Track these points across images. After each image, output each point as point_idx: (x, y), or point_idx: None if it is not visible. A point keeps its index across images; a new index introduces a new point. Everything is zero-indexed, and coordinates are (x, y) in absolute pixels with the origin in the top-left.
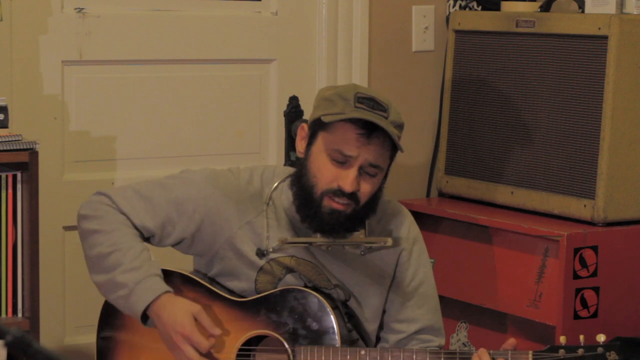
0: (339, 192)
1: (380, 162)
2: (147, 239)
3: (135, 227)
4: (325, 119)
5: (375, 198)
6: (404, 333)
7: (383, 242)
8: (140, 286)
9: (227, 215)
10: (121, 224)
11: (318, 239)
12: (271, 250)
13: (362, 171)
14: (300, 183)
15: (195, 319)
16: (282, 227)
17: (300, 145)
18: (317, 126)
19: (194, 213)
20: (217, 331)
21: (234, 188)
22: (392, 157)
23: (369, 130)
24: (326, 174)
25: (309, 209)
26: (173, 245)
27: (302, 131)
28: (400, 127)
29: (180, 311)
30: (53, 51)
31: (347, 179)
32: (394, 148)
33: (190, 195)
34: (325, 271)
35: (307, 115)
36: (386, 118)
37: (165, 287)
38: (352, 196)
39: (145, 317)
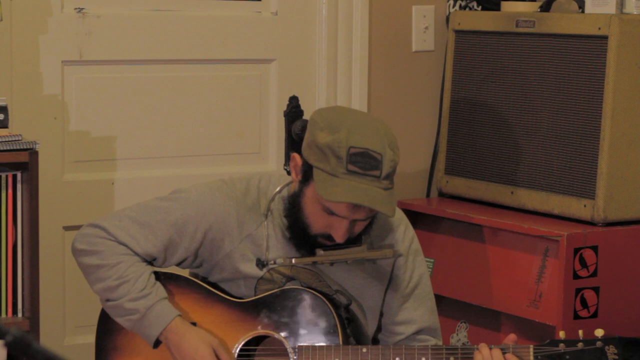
0: (331, 239)
1: (372, 214)
2: (149, 262)
3: (137, 255)
4: (317, 187)
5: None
6: (402, 335)
7: (384, 255)
8: (151, 312)
9: (228, 230)
10: (124, 255)
11: (322, 257)
12: (272, 262)
13: (354, 221)
14: (295, 216)
15: (214, 351)
16: (281, 237)
17: (293, 173)
18: (310, 174)
19: (195, 232)
20: None
21: (232, 201)
22: None
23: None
24: (318, 221)
25: (304, 243)
26: (176, 265)
27: (294, 161)
28: (394, 172)
29: (200, 342)
30: (53, 51)
31: (338, 231)
32: None
33: (189, 216)
34: (325, 277)
35: (307, 115)
36: (378, 177)
37: (176, 312)
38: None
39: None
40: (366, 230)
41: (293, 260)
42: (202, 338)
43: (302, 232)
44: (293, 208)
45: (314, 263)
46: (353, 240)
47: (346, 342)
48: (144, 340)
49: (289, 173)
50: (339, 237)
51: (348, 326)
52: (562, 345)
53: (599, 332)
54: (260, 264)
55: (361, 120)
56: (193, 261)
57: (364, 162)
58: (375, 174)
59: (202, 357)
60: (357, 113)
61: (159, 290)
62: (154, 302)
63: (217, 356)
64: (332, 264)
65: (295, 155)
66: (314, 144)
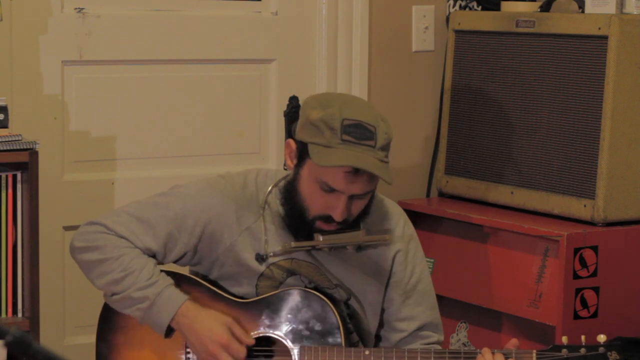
0: (330, 219)
1: (369, 189)
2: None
3: (138, 249)
4: (313, 157)
5: (367, 205)
6: (405, 332)
7: (383, 239)
8: (160, 298)
9: (227, 223)
10: (126, 247)
11: (320, 241)
12: (271, 254)
13: (352, 197)
14: (292, 201)
15: (230, 329)
16: (279, 229)
17: (288, 160)
18: (305, 152)
19: (194, 227)
20: (250, 341)
21: (231, 195)
22: None
23: (356, 168)
24: (316, 202)
25: (302, 229)
26: (176, 261)
27: (289, 147)
28: (388, 145)
29: (215, 322)
30: (53, 51)
31: (336, 209)
32: None
33: (188, 210)
34: (326, 271)
35: None
36: (373, 147)
37: (185, 295)
38: (343, 221)
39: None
40: (364, 214)
41: (292, 244)
42: (215, 318)
43: (300, 218)
44: (290, 193)
45: (314, 247)
46: (351, 226)
47: (348, 340)
48: (154, 330)
49: None
50: (338, 215)
51: (350, 321)
52: (564, 350)
53: (601, 338)
54: (260, 258)
55: (352, 98)
56: (192, 257)
57: (358, 132)
58: (370, 144)
59: (218, 336)
60: (347, 94)
61: (165, 277)
62: (162, 288)
63: (233, 334)
64: (331, 249)
65: (289, 141)
66: (307, 122)
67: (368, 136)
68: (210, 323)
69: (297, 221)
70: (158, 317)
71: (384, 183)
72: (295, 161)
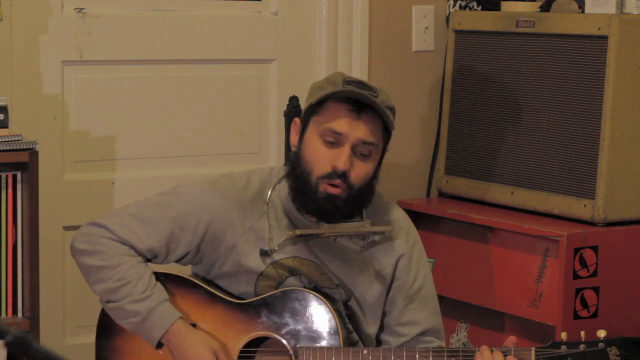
0: (333, 174)
1: (374, 139)
2: (150, 259)
3: (139, 253)
4: (315, 100)
5: (370, 186)
6: (407, 336)
7: (387, 230)
8: (153, 314)
9: (230, 223)
10: (125, 255)
11: (325, 229)
12: (276, 248)
13: (355, 150)
14: (296, 174)
15: (216, 355)
16: (283, 227)
17: (294, 138)
18: (309, 113)
19: (197, 226)
20: None
21: (233, 195)
22: (385, 140)
23: (359, 107)
24: (320, 158)
25: (305, 196)
26: (177, 260)
27: (295, 125)
28: (390, 109)
29: (203, 345)
30: (53, 51)
31: (339, 158)
32: (386, 130)
33: (190, 210)
34: (327, 271)
35: None
36: (375, 97)
37: (178, 313)
38: (345, 177)
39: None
40: (366, 201)
41: (297, 231)
42: (204, 341)
43: (305, 185)
44: (293, 163)
45: (318, 235)
46: (354, 215)
47: (347, 340)
48: (146, 342)
49: None
50: (341, 163)
51: (349, 322)
52: (564, 347)
53: (601, 333)
54: (265, 253)
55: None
56: (194, 256)
57: (360, 85)
58: (373, 94)
59: (203, 359)
60: None
61: (160, 291)
62: (155, 304)
63: None
64: (335, 238)
65: (296, 119)
66: (311, 89)
67: (371, 90)
68: (198, 345)
69: (300, 189)
70: (150, 332)
71: (384, 182)
72: (299, 135)
